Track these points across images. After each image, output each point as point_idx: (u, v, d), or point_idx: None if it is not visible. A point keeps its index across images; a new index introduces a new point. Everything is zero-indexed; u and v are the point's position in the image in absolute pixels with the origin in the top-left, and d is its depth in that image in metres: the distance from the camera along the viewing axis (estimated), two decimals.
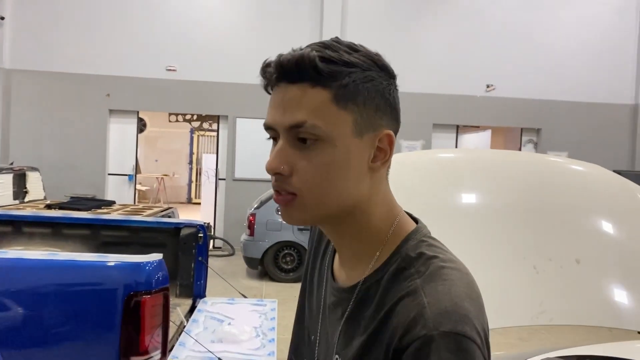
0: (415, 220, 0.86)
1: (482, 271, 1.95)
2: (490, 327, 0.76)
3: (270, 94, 0.78)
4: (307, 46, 0.76)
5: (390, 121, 0.78)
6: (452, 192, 2.22)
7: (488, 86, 10.72)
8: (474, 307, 0.70)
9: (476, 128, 11.21)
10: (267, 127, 0.78)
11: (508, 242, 2.08)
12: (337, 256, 0.90)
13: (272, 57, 0.77)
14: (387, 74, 0.78)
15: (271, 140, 0.80)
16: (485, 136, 10.49)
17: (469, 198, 2.27)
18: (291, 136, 0.75)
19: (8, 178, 6.07)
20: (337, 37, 0.78)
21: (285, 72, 0.74)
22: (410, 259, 0.77)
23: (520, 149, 10.90)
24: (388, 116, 0.78)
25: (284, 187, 0.76)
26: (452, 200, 2.20)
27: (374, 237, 0.81)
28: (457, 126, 11.00)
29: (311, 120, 0.73)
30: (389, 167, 0.82)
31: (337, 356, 0.82)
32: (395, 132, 0.80)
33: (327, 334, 0.88)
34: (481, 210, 2.18)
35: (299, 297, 1.03)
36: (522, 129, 11.11)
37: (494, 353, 0.77)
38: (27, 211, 4.39)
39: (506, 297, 1.96)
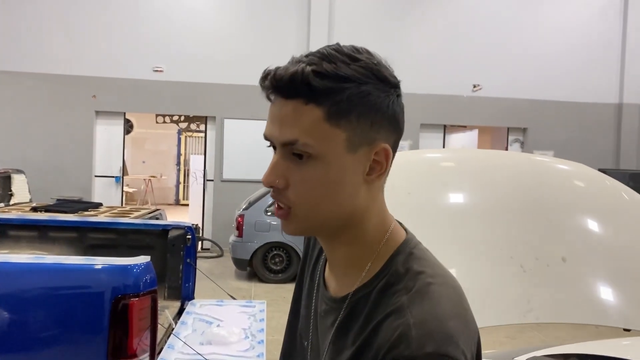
0: (405, 229, 0.86)
1: (469, 270, 1.96)
2: (478, 326, 0.77)
3: (271, 101, 0.77)
4: (306, 56, 0.75)
5: (387, 133, 0.77)
6: (439, 192, 2.23)
7: (475, 86, 10.78)
8: (460, 325, 0.70)
9: (463, 128, 11.28)
10: (266, 138, 0.79)
11: (495, 242, 2.09)
12: (328, 264, 0.90)
13: (272, 66, 0.77)
14: (386, 84, 0.76)
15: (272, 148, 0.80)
16: (472, 136, 10.57)
17: (456, 198, 2.28)
18: (286, 151, 0.76)
19: None
20: (338, 44, 0.76)
21: (279, 88, 0.74)
22: (398, 274, 0.77)
23: (506, 149, 10.99)
24: (385, 129, 0.77)
25: (280, 199, 0.78)
26: (440, 200, 2.22)
27: (366, 248, 0.81)
28: (445, 126, 11.06)
29: (303, 139, 0.73)
30: (386, 177, 0.81)
31: None
32: (396, 142, 0.79)
33: (317, 340, 0.88)
34: (468, 210, 2.19)
35: (291, 302, 1.03)
36: (508, 128, 11.19)
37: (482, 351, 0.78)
38: (13, 214, 4.34)
39: (494, 296, 1.97)
